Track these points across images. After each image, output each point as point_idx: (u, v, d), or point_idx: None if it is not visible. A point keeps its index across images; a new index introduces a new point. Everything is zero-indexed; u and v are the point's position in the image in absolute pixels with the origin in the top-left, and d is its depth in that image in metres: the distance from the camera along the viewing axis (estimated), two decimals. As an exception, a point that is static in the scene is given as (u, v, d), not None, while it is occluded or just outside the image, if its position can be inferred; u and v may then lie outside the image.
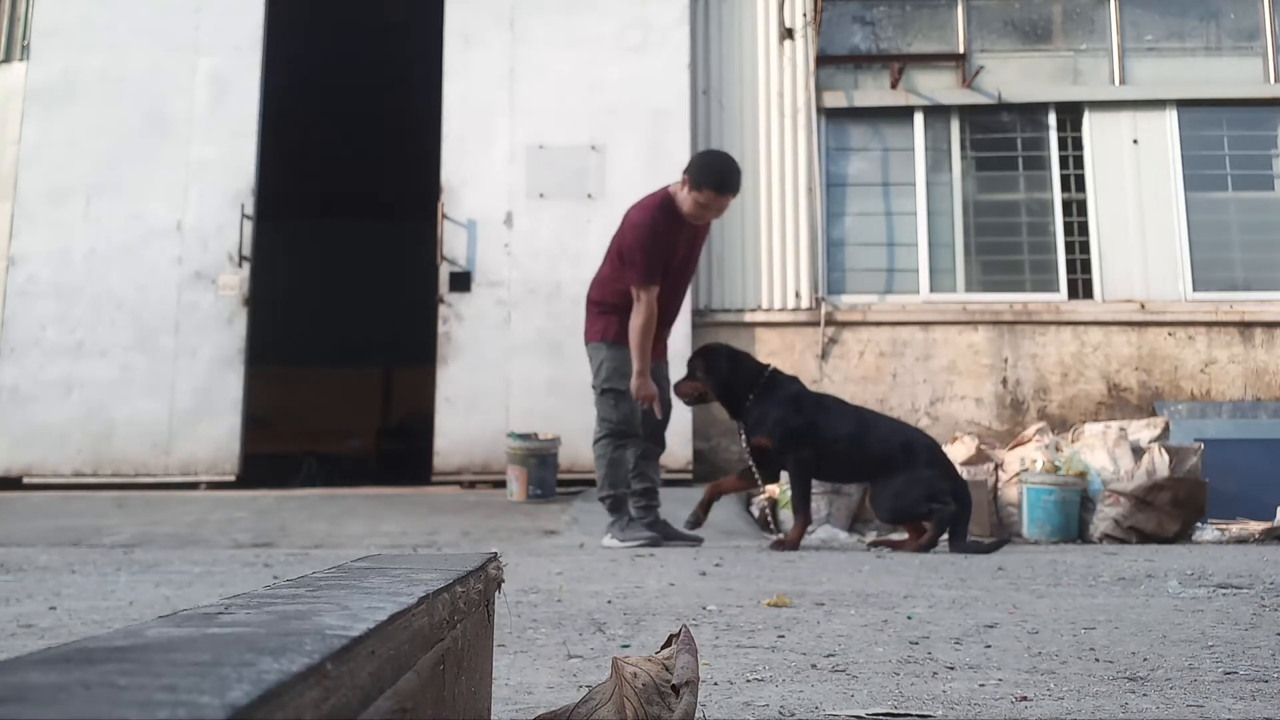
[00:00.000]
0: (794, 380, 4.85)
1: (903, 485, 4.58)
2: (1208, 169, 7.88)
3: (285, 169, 10.05)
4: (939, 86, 7.98)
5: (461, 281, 7.61)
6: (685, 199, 4.62)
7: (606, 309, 4.77)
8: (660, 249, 4.61)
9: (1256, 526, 5.87)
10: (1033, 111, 7.97)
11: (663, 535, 4.70)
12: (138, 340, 7.59)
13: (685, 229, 4.72)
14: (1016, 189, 7.97)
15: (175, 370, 7.55)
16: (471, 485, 7.36)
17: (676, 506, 5.12)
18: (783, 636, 2.06)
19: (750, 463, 4.73)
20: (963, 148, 7.95)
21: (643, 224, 4.64)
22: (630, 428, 4.76)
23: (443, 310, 7.59)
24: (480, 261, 7.63)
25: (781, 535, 4.83)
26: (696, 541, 4.72)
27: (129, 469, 7.46)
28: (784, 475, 4.86)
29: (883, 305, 7.69)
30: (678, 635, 1.08)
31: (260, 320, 7.93)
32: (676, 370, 5.13)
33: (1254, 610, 2.51)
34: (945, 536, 4.60)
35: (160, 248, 7.69)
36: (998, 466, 6.55)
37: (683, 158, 7.66)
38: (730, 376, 4.76)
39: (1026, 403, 7.53)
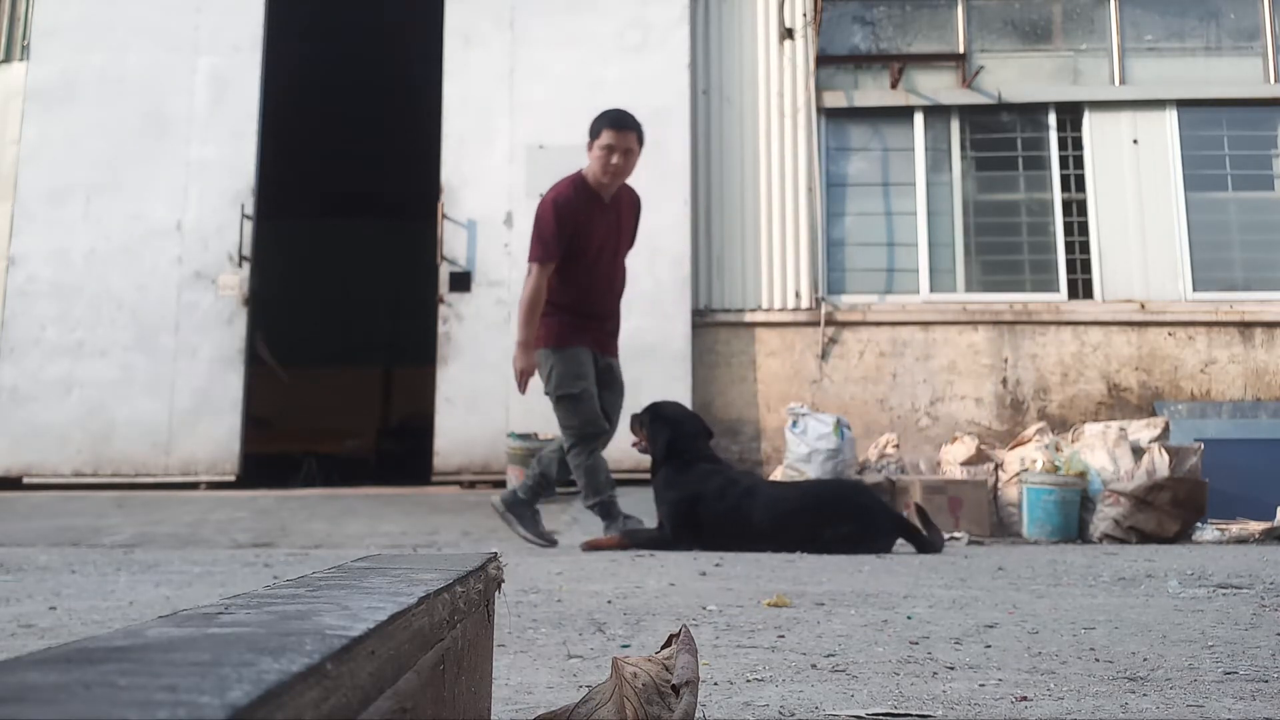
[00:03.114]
0: (713, 471, 4.73)
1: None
2: (1208, 169, 7.88)
3: (285, 169, 10.05)
4: (939, 86, 7.98)
5: (461, 281, 7.61)
6: (593, 161, 4.56)
7: (546, 310, 4.64)
8: (563, 226, 4.53)
9: (1256, 526, 5.87)
10: (1033, 111, 7.97)
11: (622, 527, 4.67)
12: (138, 340, 7.59)
13: (604, 212, 4.64)
14: (1016, 189, 7.97)
15: (175, 370, 7.56)
16: (471, 485, 7.36)
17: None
18: (783, 636, 2.06)
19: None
20: (963, 148, 7.95)
21: (544, 202, 4.63)
22: (596, 428, 4.67)
23: (443, 310, 7.60)
24: (480, 261, 7.63)
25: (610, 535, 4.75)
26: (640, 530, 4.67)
27: (129, 469, 7.46)
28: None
29: (883, 305, 7.69)
30: (678, 635, 1.08)
31: (260, 320, 7.93)
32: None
33: (1254, 610, 2.51)
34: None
35: (160, 248, 7.69)
36: (998, 466, 6.55)
37: (682, 157, 7.67)
38: (660, 445, 4.75)
39: (1026, 403, 7.53)
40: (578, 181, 4.65)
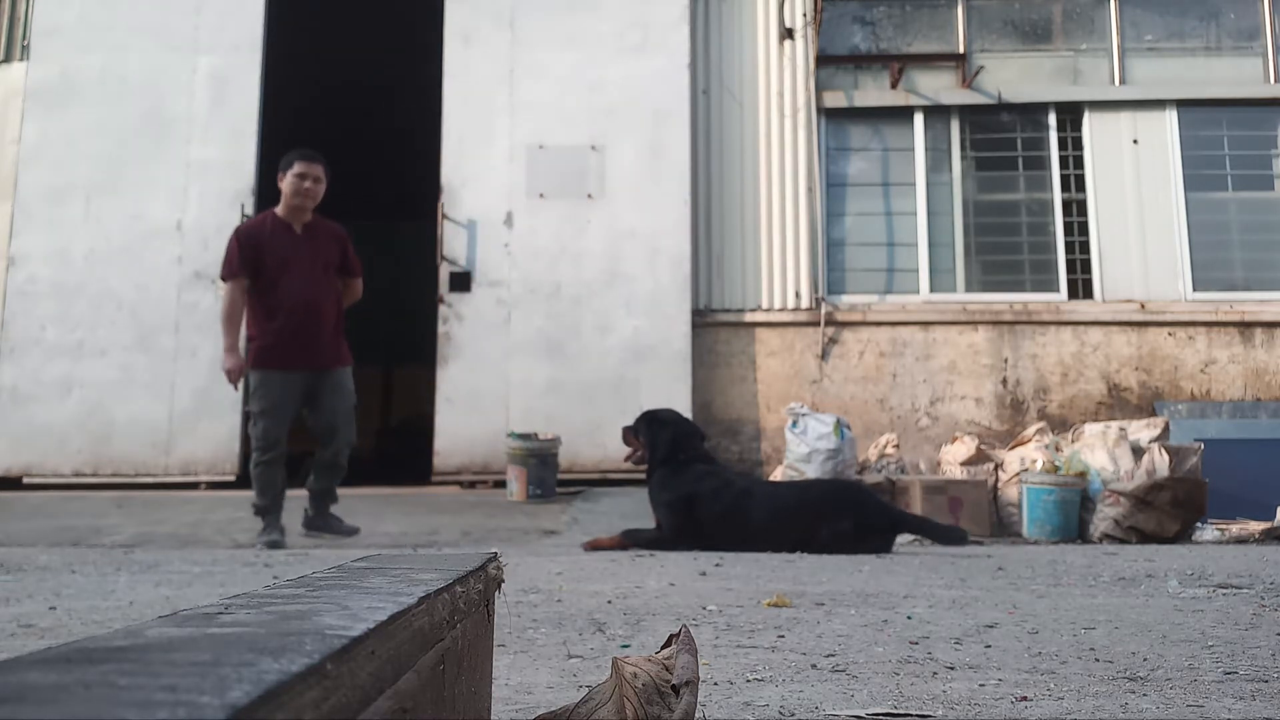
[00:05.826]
0: (709, 471, 4.81)
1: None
2: (1208, 169, 7.88)
3: (285, 169, 10.02)
4: (939, 86, 7.98)
5: (461, 281, 7.61)
6: (286, 189, 5.08)
7: (251, 333, 5.12)
8: (244, 249, 5.03)
9: (1256, 526, 5.87)
10: (1033, 111, 7.97)
11: (318, 527, 5.28)
12: (138, 340, 7.59)
13: (294, 240, 5.10)
14: (1016, 189, 7.97)
15: (175, 370, 7.55)
16: (471, 485, 7.36)
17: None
18: (783, 636, 2.06)
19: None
20: (963, 148, 7.95)
21: (233, 231, 5.22)
22: (271, 442, 5.09)
23: (443, 310, 7.60)
24: (480, 261, 7.63)
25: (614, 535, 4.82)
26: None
27: (129, 469, 7.46)
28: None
29: (883, 305, 7.69)
30: (678, 635, 1.08)
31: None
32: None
33: (1254, 610, 2.51)
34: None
35: (160, 248, 7.69)
36: (998, 466, 6.55)
37: (682, 158, 7.67)
38: (658, 447, 4.85)
39: (1026, 403, 7.53)
40: (266, 214, 5.24)
